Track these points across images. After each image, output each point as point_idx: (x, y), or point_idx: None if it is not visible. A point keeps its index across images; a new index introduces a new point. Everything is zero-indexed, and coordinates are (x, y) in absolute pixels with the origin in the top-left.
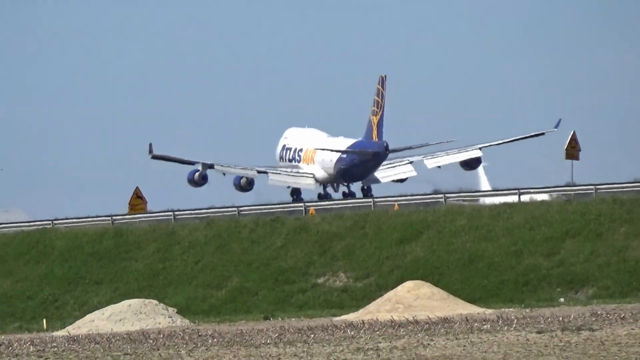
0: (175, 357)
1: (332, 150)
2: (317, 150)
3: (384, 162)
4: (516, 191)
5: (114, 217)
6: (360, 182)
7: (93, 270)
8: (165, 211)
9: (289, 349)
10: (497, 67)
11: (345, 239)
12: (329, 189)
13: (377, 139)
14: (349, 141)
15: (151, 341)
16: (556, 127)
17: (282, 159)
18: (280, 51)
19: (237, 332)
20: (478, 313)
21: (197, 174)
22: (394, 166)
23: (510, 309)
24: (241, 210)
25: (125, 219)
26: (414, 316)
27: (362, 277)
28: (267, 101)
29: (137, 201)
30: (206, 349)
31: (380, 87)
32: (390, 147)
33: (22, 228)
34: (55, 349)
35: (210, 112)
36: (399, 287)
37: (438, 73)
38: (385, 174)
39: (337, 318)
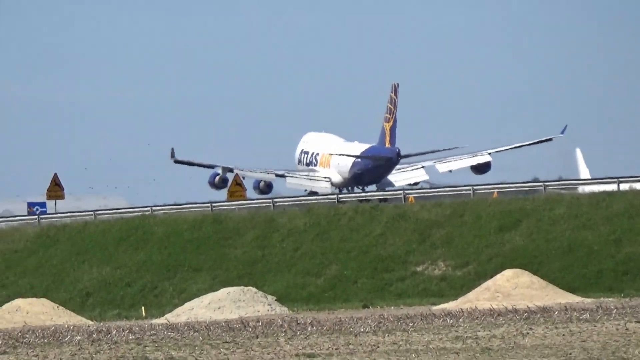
0: (274, 345)
1: (347, 155)
2: (332, 155)
3: (397, 167)
4: (615, 180)
5: (213, 204)
6: (375, 185)
7: (192, 257)
8: (264, 198)
9: (388, 338)
10: (504, 74)
11: (444, 227)
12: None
13: (389, 145)
14: (364, 146)
15: (250, 329)
16: (562, 132)
17: (301, 163)
18: (299, 60)
19: (336, 320)
20: (577, 302)
21: (217, 177)
22: (407, 170)
23: (610, 299)
24: (340, 198)
25: (224, 205)
26: (513, 305)
27: (461, 266)
28: (285, 107)
29: (237, 188)
30: (305, 337)
31: (393, 95)
32: (402, 152)
33: (122, 215)
34: (154, 336)
35: (230, 117)
36: (498, 276)
37: (447, 81)
38: (398, 177)
39: (436, 307)
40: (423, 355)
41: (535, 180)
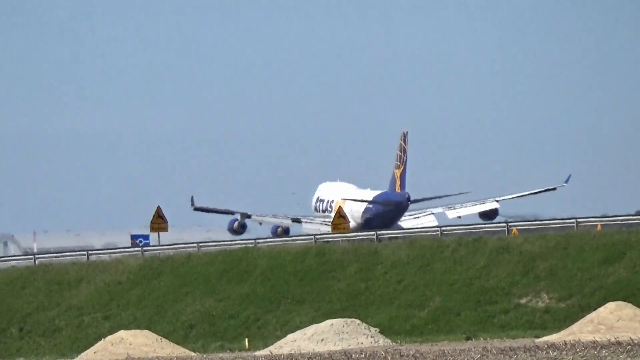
0: None
1: (359, 201)
2: (346, 201)
3: (408, 213)
4: None
5: (317, 236)
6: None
7: (295, 289)
8: (368, 231)
9: None
10: (508, 124)
11: (547, 259)
12: None
13: (399, 190)
14: (375, 192)
15: None
16: (566, 182)
17: (317, 210)
18: (312, 110)
19: (439, 353)
20: None
21: (236, 223)
22: (417, 217)
23: None
24: (444, 231)
25: (327, 238)
26: (616, 337)
27: (565, 298)
28: (299, 156)
29: (340, 220)
30: None
31: (402, 142)
32: (412, 197)
33: (225, 247)
34: None
35: (246, 167)
36: (601, 308)
37: (454, 129)
38: (409, 224)
39: (539, 339)
40: None
41: (639, 214)
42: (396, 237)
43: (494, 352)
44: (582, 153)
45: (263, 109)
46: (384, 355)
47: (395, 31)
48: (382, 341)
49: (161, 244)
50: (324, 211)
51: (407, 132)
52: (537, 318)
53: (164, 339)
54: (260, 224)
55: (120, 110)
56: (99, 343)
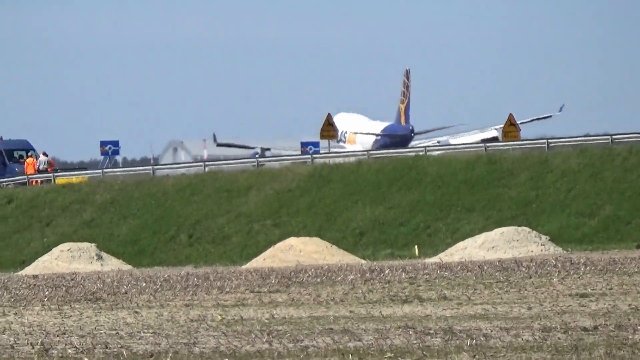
0: (547, 284)
1: (367, 134)
2: (357, 134)
3: (412, 143)
4: None
5: (487, 144)
6: None
7: (465, 197)
8: (539, 139)
9: None
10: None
11: None
12: None
13: (404, 123)
14: (383, 124)
15: (523, 269)
16: (560, 110)
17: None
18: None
19: (610, 261)
20: None
21: (257, 156)
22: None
23: None
24: (614, 139)
25: (497, 146)
26: None
27: None
28: (317, 88)
29: (511, 128)
30: (578, 277)
31: (405, 79)
32: (416, 129)
33: (396, 155)
34: (427, 276)
35: (263, 101)
36: None
37: (453, 67)
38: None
39: None
40: None
41: None
42: (568, 145)
43: None
44: (577, 81)
45: (280, 41)
46: (554, 263)
47: None
48: (553, 249)
49: (331, 151)
50: (338, 141)
51: (409, 70)
52: None
53: (333, 246)
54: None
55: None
56: (269, 250)
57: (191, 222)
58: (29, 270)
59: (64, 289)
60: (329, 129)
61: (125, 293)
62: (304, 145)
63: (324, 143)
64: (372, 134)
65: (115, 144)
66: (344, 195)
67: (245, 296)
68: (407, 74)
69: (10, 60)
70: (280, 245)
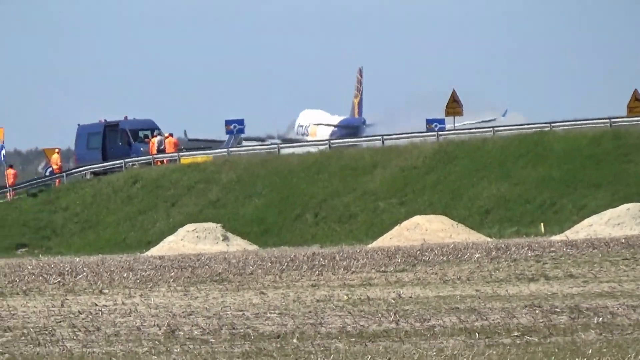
0: None
1: (325, 125)
2: (318, 126)
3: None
4: None
5: (612, 120)
6: None
7: (591, 173)
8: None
9: None
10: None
11: None
12: None
13: (357, 116)
14: (339, 118)
15: None
16: (504, 115)
17: (298, 134)
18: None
19: None
20: None
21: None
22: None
23: None
24: None
25: (624, 121)
26: None
27: None
28: (286, 87)
29: (636, 104)
30: None
31: (358, 76)
32: (367, 122)
33: (520, 131)
34: (553, 253)
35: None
36: None
37: (402, 63)
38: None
39: None
40: None
41: None
42: None
43: None
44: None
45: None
46: None
47: None
48: None
49: (456, 128)
50: (302, 135)
51: (362, 68)
52: None
53: (459, 224)
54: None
55: None
56: (395, 228)
57: (317, 200)
58: (155, 251)
59: (190, 269)
60: (454, 106)
61: (251, 274)
62: (429, 122)
63: (449, 119)
64: (330, 124)
65: (240, 122)
66: (469, 172)
67: (371, 275)
68: (360, 71)
69: (136, 41)
70: (405, 223)
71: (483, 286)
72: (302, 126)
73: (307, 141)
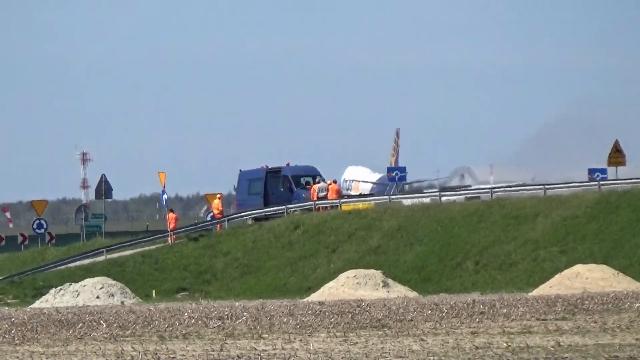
0: None
1: (365, 182)
2: (359, 182)
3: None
4: None
5: None
6: None
7: None
8: None
9: None
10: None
11: None
12: None
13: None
14: (378, 175)
15: None
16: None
17: (343, 188)
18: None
19: None
20: None
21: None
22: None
23: None
24: None
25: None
26: None
27: None
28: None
29: None
30: None
31: (396, 137)
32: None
33: None
34: None
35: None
36: None
37: (438, 126)
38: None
39: None
40: None
41: None
42: None
43: None
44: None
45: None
46: None
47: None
48: None
49: (618, 178)
50: (347, 190)
51: (399, 129)
52: None
53: (620, 274)
54: None
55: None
56: (555, 277)
57: (478, 248)
58: (315, 296)
59: (350, 315)
60: (616, 156)
61: (411, 320)
62: (591, 171)
63: (611, 170)
64: (369, 182)
65: (402, 170)
66: (631, 222)
67: (531, 323)
68: (397, 132)
69: (296, 91)
70: (566, 272)
71: None
72: (346, 180)
73: (470, 191)
